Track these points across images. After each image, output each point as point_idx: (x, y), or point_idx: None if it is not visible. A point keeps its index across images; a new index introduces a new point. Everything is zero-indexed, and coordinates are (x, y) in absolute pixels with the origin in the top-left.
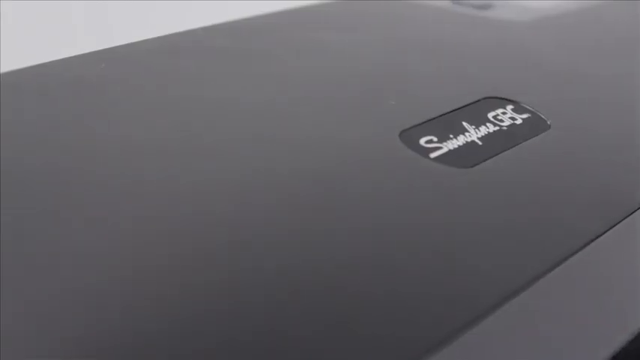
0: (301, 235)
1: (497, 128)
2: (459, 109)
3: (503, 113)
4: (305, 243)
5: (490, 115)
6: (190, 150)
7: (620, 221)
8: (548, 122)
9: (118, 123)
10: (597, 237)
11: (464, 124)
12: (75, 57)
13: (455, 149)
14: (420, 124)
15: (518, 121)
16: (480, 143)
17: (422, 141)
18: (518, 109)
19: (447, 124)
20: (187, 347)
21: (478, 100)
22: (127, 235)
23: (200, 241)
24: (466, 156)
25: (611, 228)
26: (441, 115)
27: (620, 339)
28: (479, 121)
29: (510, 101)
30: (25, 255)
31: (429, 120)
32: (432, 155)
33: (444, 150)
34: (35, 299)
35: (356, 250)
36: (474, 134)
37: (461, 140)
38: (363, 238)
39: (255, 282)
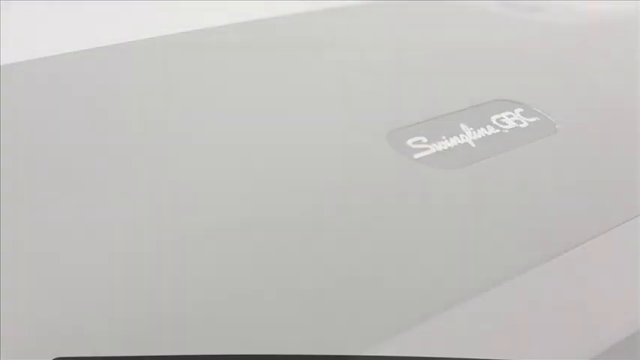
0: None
1: (497, 131)
2: (462, 110)
3: (509, 116)
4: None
5: (493, 118)
6: (177, 150)
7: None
8: (556, 126)
9: (116, 118)
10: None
11: (461, 125)
12: (74, 53)
13: (443, 151)
14: (412, 125)
15: (524, 125)
16: (473, 145)
17: (409, 142)
18: (527, 112)
19: (443, 125)
20: None
21: (487, 103)
22: (126, 231)
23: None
24: (453, 158)
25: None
26: (441, 116)
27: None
28: (479, 123)
29: (520, 104)
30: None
31: (426, 121)
32: (417, 156)
33: (431, 151)
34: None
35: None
36: (469, 136)
37: (453, 142)
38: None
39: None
